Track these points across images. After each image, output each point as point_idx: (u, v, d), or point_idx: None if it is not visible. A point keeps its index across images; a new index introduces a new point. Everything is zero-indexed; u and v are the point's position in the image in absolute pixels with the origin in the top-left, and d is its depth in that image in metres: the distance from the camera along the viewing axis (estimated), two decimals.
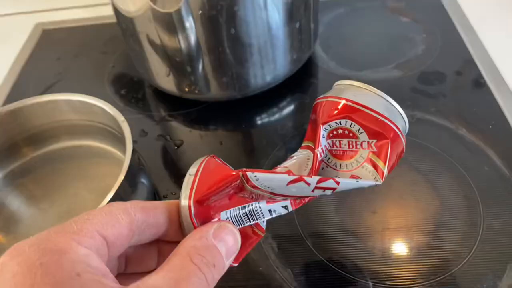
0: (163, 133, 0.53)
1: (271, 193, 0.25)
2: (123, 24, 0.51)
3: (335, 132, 0.28)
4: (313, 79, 0.58)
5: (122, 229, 0.22)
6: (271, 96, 0.55)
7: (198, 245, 0.22)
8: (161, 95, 0.57)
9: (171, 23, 0.46)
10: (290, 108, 0.55)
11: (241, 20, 0.45)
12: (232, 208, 0.25)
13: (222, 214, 0.24)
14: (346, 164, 0.29)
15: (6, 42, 0.71)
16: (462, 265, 0.38)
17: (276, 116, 0.54)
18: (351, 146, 0.28)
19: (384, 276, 0.37)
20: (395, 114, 0.29)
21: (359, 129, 0.28)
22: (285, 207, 0.27)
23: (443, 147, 0.47)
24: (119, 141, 0.44)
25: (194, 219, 0.23)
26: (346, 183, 0.27)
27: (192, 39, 0.47)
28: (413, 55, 0.59)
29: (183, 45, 0.47)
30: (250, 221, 0.26)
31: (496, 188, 0.43)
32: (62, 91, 0.58)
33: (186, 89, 0.52)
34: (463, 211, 0.41)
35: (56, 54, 0.67)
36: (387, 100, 0.29)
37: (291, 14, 0.49)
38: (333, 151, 0.29)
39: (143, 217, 0.23)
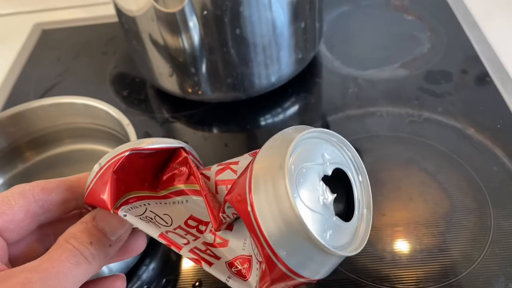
0: (167, 135, 0.52)
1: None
2: (125, 24, 0.51)
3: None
4: (318, 79, 0.57)
5: (15, 214, 0.22)
6: (276, 96, 0.54)
7: (74, 231, 0.22)
8: (164, 96, 0.56)
9: (175, 23, 0.45)
10: (295, 108, 0.54)
11: (246, 20, 0.45)
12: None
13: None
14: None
15: (5, 42, 0.70)
16: (473, 267, 0.37)
17: (281, 116, 0.53)
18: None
19: (394, 279, 0.37)
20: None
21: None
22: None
23: (451, 147, 0.46)
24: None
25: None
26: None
27: (196, 39, 0.46)
28: (418, 53, 0.59)
29: (186, 45, 0.47)
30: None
31: (506, 188, 0.42)
32: (63, 92, 0.57)
33: (190, 90, 0.52)
34: (473, 212, 0.41)
35: (56, 55, 0.66)
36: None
37: (296, 14, 0.48)
38: None
39: (44, 196, 0.23)
